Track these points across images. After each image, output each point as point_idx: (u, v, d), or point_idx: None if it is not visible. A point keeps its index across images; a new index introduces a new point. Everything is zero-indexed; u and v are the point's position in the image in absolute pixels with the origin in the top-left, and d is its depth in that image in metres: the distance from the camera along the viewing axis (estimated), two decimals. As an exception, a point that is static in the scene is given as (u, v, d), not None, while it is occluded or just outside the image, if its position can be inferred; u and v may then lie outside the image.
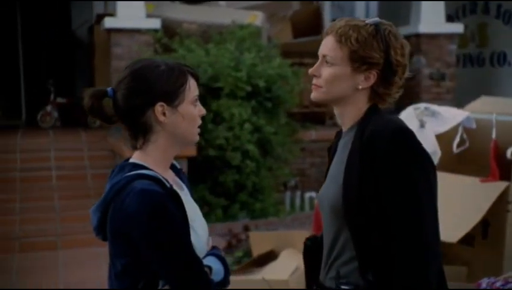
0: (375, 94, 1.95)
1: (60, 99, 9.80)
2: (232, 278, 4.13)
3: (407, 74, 1.99)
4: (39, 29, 11.08)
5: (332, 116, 9.44)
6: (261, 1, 9.24)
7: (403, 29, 9.84)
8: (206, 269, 1.89)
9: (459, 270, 3.98)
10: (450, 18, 10.75)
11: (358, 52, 1.90)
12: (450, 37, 9.55)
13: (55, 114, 9.63)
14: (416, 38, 9.47)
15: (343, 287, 1.90)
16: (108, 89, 1.90)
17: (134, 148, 1.93)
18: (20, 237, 6.53)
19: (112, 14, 8.45)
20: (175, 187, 1.90)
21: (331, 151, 2.11)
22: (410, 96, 9.10)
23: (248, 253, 4.76)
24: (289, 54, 8.89)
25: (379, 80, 1.93)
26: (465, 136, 4.52)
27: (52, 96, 9.72)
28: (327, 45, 1.94)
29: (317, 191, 5.71)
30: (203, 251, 1.93)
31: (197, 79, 1.96)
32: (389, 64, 1.91)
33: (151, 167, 1.89)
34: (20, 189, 7.19)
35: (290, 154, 7.86)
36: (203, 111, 1.96)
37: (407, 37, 9.55)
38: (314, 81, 1.97)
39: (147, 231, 1.77)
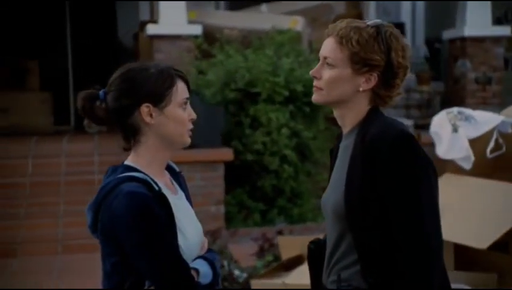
0: (376, 96, 1.95)
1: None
2: (255, 282, 4.17)
3: (408, 76, 1.98)
4: (87, 38, 11.37)
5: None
6: (303, 6, 9.23)
7: (448, 33, 9.70)
8: (193, 272, 1.91)
9: (489, 277, 3.89)
10: (498, 21, 10.51)
11: (359, 54, 1.90)
12: (496, 40, 9.34)
13: (101, 119, 9.79)
14: (462, 42, 9.31)
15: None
16: (100, 91, 1.96)
17: (125, 149, 1.99)
18: (63, 239, 6.70)
19: (155, 21, 8.61)
20: (167, 190, 1.95)
21: (333, 154, 2.11)
22: (455, 101, 8.95)
23: (278, 257, 4.78)
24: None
25: (380, 82, 1.93)
26: (501, 140, 4.43)
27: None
28: (328, 47, 1.95)
29: None
30: (192, 253, 1.96)
31: (187, 83, 2.00)
32: (390, 66, 1.91)
33: (142, 169, 1.93)
34: (64, 192, 7.37)
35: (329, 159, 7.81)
36: (193, 115, 1.99)
37: (453, 41, 9.50)
38: (315, 83, 1.98)
39: (132, 232, 1.82)
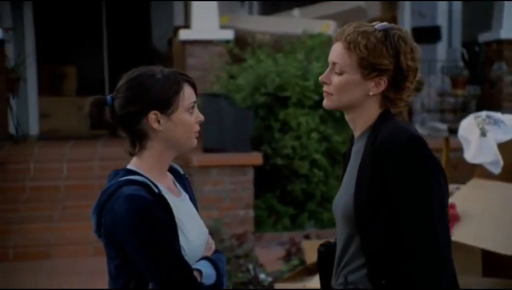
0: (387, 99, 1.94)
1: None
2: (278, 285, 4.16)
3: (418, 77, 1.97)
4: (123, 44, 11.55)
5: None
6: (336, 10, 9.20)
7: (484, 36, 9.55)
8: (196, 273, 1.93)
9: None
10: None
11: (367, 59, 1.89)
12: (534, 42, 9.17)
13: (136, 124, 9.93)
14: (498, 45, 9.15)
15: None
16: (108, 97, 1.98)
17: (131, 154, 2.01)
18: (95, 241, 6.79)
19: (188, 27, 8.69)
20: (168, 192, 1.97)
21: (346, 158, 2.10)
22: (492, 105, 8.80)
23: (304, 262, 4.78)
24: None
25: (390, 86, 1.92)
26: (531, 145, 4.35)
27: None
28: (336, 52, 1.95)
29: None
30: (195, 255, 1.98)
31: (194, 87, 2.00)
32: (399, 70, 1.90)
33: (144, 173, 1.95)
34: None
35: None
36: (201, 117, 2.00)
37: (489, 43, 9.34)
38: (325, 88, 1.98)
39: (132, 234, 1.84)
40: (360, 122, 1.96)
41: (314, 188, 7.23)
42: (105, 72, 11.50)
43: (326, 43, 7.90)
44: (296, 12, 9.24)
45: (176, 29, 9.21)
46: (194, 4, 8.41)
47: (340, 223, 1.98)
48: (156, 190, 1.90)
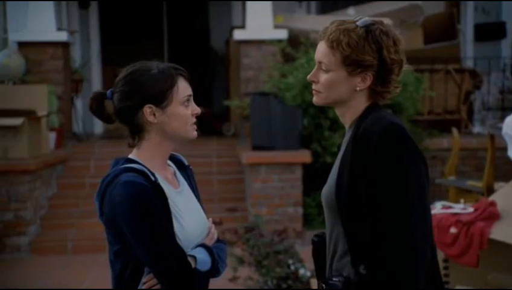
0: (374, 93, 1.99)
1: (198, 109, 10.33)
2: (314, 281, 4.20)
3: (405, 68, 2.00)
4: (182, 45, 11.81)
5: (467, 125, 9.09)
6: (391, 8, 9.12)
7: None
8: (190, 259, 2.02)
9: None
10: None
11: (350, 56, 1.94)
12: None
13: (193, 123, 10.16)
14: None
15: (334, 279, 1.95)
16: (108, 91, 2.10)
17: (130, 145, 2.12)
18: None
19: (243, 27, 8.83)
20: (165, 182, 2.07)
21: (338, 149, 2.16)
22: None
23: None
24: (420, 60, 8.70)
25: (376, 80, 1.96)
26: None
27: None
28: (320, 51, 2.00)
29: (446, 199, 5.58)
30: (190, 242, 2.06)
31: (189, 81, 2.10)
32: (383, 64, 1.94)
33: (143, 162, 2.06)
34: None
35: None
36: (197, 110, 2.10)
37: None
38: (314, 86, 2.04)
39: (129, 219, 1.95)
40: (348, 115, 2.01)
41: (365, 187, 7.21)
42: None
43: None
44: (351, 10, 9.22)
45: (233, 30, 9.37)
46: (249, 4, 8.55)
47: (326, 212, 2.04)
48: (153, 178, 2.00)
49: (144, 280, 2.01)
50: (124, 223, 1.96)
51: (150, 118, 2.03)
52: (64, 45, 8.55)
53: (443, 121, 8.81)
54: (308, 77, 2.04)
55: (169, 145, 2.10)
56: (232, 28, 9.68)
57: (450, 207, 4.15)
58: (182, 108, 2.05)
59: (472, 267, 3.81)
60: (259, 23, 8.41)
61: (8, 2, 8.72)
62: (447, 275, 3.98)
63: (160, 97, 2.03)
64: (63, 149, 8.32)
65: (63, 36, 8.45)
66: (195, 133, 2.11)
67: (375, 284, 1.85)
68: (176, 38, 11.88)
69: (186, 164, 2.25)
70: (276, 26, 8.55)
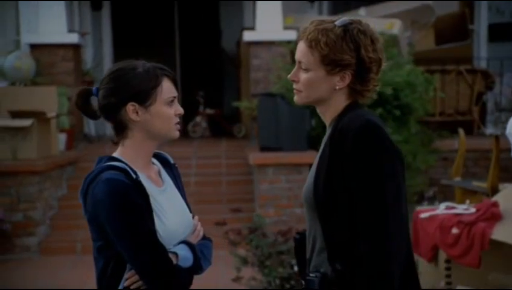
0: (354, 91, 2.01)
1: (208, 111, 10.39)
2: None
3: (384, 66, 2.03)
4: (194, 46, 11.85)
5: (479, 126, 9.01)
6: (403, 8, 9.08)
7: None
8: (172, 255, 2.03)
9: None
10: None
11: (329, 56, 1.96)
12: None
13: (204, 124, 10.21)
14: None
15: (311, 274, 1.97)
16: (93, 88, 2.13)
17: (114, 143, 2.13)
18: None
19: (253, 28, 8.84)
20: (148, 181, 2.08)
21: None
22: None
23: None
24: (431, 61, 8.65)
25: (355, 78, 1.98)
26: None
27: (201, 108, 10.34)
28: (300, 51, 2.03)
29: (453, 200, 5.54)
30: (172, 240, 2.07)
31: (174, 82, 2.12)
32: (362, 63, 1.96)
33: (126, 160, 2.07)
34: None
35: (422, 163, 7.64)
36: (180, 110, 2.11)
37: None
38: (295, 86, 2.07)
39: (109, 216, 1.97)
40: (328, 114, 2.03)
41: (373, 188, 7.16)
42: (178, 73, 11.84)
43: (389, 41, 7.81)
44: (362, 11, 9.18)
45: (243, 31, 9.38)
46: (259, 5, 8.55)
47: (306, 209, 2.06)
48: (134, 176, 2.02)
49: (126, 276, 2.03)
50: (105, 220, 1.98)
51: (133, 116, 2.05)
52: (75, 47, 8.61)
53: (455, 122, 8.74)
54: (289, 76, 2.07)
55: (152, 144, 2.12)
56: (243, 29, 9.69)
57: (453, 208, 4.12)
58: (166, 108, 2.07)
59: (473, 268, 3.77)
60: (269, 24, 8.41)
61: (20, 4, 8.78)
62: (449, 276, 3.94)
63: (144, 96, 2.04)
64: (74, 150, 8.36)
65: (73, 38, 8.51)
66: (178, 133, 2.13)
67: (351, 282, 1.87)
68: (187, 39, 11.92)
69: (172, 162, 2.26)
70: (286, 27, 8.54)
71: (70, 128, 8.22)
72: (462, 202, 4.86)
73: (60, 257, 6.89)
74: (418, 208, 4.68)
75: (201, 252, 2.12)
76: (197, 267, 2.09)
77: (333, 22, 1.99)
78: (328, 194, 1.91)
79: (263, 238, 4.76)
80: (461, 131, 5.81)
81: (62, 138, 7.94)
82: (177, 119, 2.10)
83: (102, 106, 2.08)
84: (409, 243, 1.98)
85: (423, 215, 4.17)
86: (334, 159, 1.91)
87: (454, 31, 9.19)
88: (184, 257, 2.05)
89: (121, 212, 1.97)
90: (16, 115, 7.13)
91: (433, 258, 4.08)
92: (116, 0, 10.83)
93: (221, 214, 6.76)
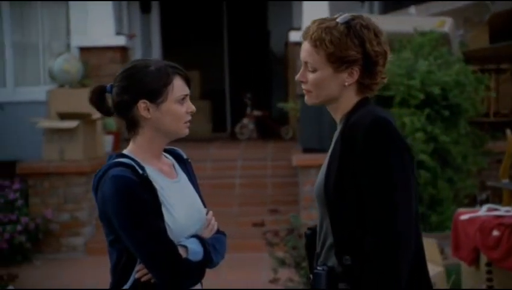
0: (363, 86, 2.04)
1: (256, 112, 10.37)
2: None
3: (390, 58, 2.06)
4: (242, 47, 11.87)
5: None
6: (454, 6, 8.83)
7: None
8: (181, 249, 2.07)
9: None
10: None
11: (335, 53, 1.99)
12: None
13: (251, 126, 10.19)
14: None
15: (318, 267, 1.99)
16: (108, 85, 2.18)
17: (126, 139, 2.21)
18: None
19: (299, 28, 8.75)
20: (161, 174, 2.14)
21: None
22: None
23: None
24: (485, 60, 8.39)
25: (363, 73, 2.01)
26: None
27: (249, 110, 10.34)
28: (305, 51, 2.06)
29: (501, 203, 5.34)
30: (182, 233, 2.11)
31: (186, 80, 2.16)
32: (368, 57, 2.00)
33: (136, 156, 2.12)
34: (204, 195, 7.71)
35: (473, 165, 7.40)
36: (192, 108, 2.16)
37: None
38: (303, 86, 2.09)
39: (117, 212, 2.03)
40: (339, 111, 2.05)
41: (421, 190, 6.95)
42: (226, 75, 11.87)
43: (438, 40, 7.61)
44: (412, 9, 8.99)
45: (290, 31, 9.32)
46: (305, 6, 8.47)
47: (317, 205, 2.07)
48: (141, 172, 2.06)
49: (136, 268, 2.08)
50: (113, 215, 2.04)
51: (144, 113, 2.10)
52: (123, 49, 8.71)
53: (510, 122, 8.44)
54: (297, 77, 2.09)
55: (162, 141, 2.17)
56: (291, 29, 9.63)
57: (495, 209, 3.96)
58: (177, 106, 2.12)
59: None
60: (313, 24, 8.31)
61: (71, 7, 8.93)
62: (490, 280, 3.79)
63: (155, 93, 2.09)
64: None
65: (121, 40, 8.62)
66: (187, 130, 2.17)
67: (360, 275, 1.89)
68: (236, 40, 11.93)
69: (185, 157, 2.31)
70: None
71: (116, 130, 8.31)
72: (510, 204, 4.67)
73: (106, 257, 6.91)
74: (459, 210, 4.53)
75: (213, 246, 2.15)
76: (208, 261, 2.11)
77: (335, 19, 2.01)
78: (339, 190, 1.93)
79: (300, 239, 4.70)
80: (509, 132, 5.61)
81: (109, 139, 8.05)
82: (189, 117, 2.15)
83: (115, 103, 2.15)
84: (420, 241, 1.97)
85: (463, 217, 4.03)
86: (344, 155, 1.94)
87: (509, 28, 8.87)
88: (194, 250, 2.09)
89: (126, 208, 2.02)
90: (63, 116, 7.26)
91: (474, 261, 3.94)
92: (165, 2, 10.92)
93: (264, 216, 6.70)
